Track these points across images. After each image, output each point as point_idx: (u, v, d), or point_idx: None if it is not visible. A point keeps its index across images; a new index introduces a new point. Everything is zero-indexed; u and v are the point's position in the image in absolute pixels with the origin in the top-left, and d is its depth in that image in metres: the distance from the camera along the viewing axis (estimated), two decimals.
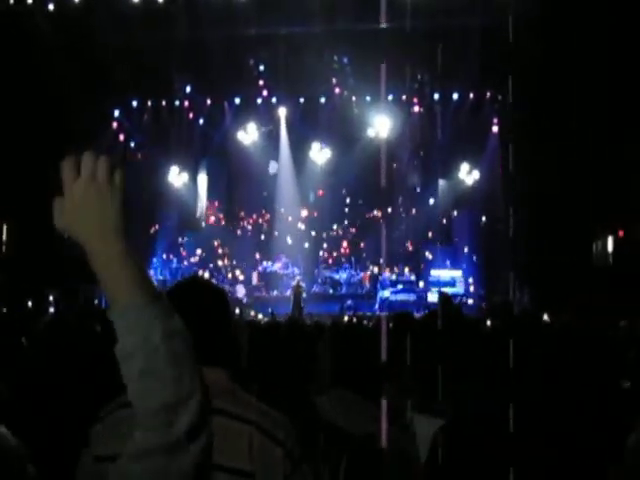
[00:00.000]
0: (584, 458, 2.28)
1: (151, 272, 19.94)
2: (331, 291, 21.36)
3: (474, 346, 3.63)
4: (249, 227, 23.35)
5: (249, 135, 21.91)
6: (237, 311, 15.65)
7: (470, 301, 19.09)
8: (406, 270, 20.66)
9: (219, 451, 1.58)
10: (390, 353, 3.49)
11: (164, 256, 21.66)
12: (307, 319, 13.50)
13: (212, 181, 23.43)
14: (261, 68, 20.23)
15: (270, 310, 17.09)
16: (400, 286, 19.99)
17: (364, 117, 21.28)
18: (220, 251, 22.58)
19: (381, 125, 20.75)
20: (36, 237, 16.29)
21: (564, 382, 2.49)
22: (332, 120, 21.24)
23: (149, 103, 21.67)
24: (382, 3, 16.04)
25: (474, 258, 20.57)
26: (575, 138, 14.27)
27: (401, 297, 19.68)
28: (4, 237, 17.44)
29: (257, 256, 22.15)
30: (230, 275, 21.75)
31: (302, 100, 21.38)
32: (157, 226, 21.75)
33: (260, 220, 23.38)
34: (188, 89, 21.02)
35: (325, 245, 22.71)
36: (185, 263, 22.03)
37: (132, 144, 21.93)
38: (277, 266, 21.75)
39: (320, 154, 21.80)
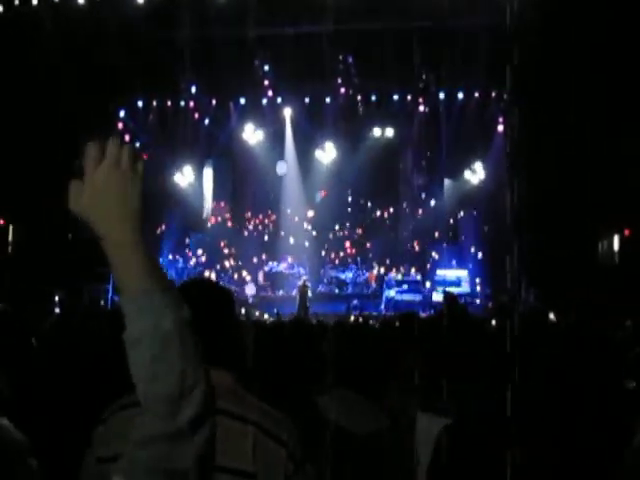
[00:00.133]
0: (588, 459, 2.27)
1: None
2: (337, 291, 21.35)
3: (479, 345, 3.63)
4: (256, 227, 23.37)
5: (254, 135, 21.92)
6: (243, 311, 15.67)
7: (477, 301, 19.07)
8: (412, 270, 20.64)
9: (221, 452, 1.57)
10: (395, 353, 3.49)
11: (170, 256, 21.68)
12: (313, 319, 13.50)
13: (218, 181, 23.46)
14: (266, 68, 20.23)
15: (275, 310, 17.11)
16: (405, 286, 19.96)
17: (369, 117, 21.28)
18: (226, 251, 22.59)
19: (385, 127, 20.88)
20: (42, 238, 16.36)
21: (569, 382, 2.48)
22: (337, 120, 21.23)
23: (154, 103, 21.69)
24: (388, 3, 16.09)
25: (480, 257, 20.54)
26: (578, 134, 14.22)
27: (407, 297, 19.65)
28: (10, 238, 17.49)
29: (263, 256, 22.16)
30: (236, 275, 21.76)
31: (307, 100, 21.37)
32: (163, 226, 21.76)
33: (266, 220, 23.40)
34: (193, 89, 21.01)
35: (331, 245, 22.70)
36: (191, 263, 22.05)
37: (137, 144, 21.93)
38: (283, 266, 21.77)
39: (326, 154, 21.78)
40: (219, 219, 23.66)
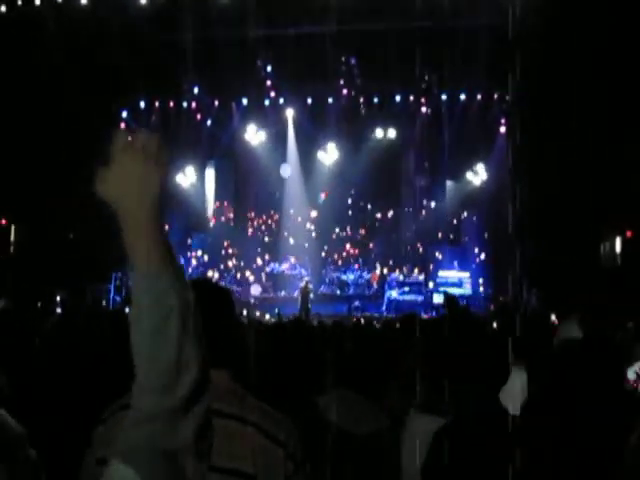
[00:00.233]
0: (588, 459, 2.27)
1: None
2: (338, 292, 21.34)
3: (479, 346, 3.63)
4: (258, 227, 23.36)
5: (257, 136, 21.93)
6: (244, 312, 15.66)
7: (479, 302, 19.04)
8: (415, 271, 20.62)
9: (220, 453, 1.56)
10: (395, 353, 3.49)
11: None
12: (314, 320, 13.49)
13: (220, 182, 23.47)
14: (268, 69, 20.24)
15: (277, 311, 17.08)
16: (407, 287, 19.94)
17: (372, 118, 21.28)
18: (229, 251, 22.59)
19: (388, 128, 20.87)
20: (44, 238, 16.38)
21: (569, 382, 2.48)
22: (340, 121, 21.22)
23: (157, 104, 21.71)
24: (390, 4, 16.09)
25: (482, 259, 20.53)
26: (580, 139, 14.22)
27: (409, 298, 19.64)
28: (12, 238, 17.51)
29: (266, 257, 22.17)
30: (239, 275, 21.76)
31: (310, 101, 21.37)
32: (166, 227, 21.71)
33: (269, 221, 23.40)
34: (196, 90, 21.03)
35: (333, 246, 22.68)
36: (194, 263, 22.05)
37: None
38: (285, 267, 21.77)
39: (328, 155, 21.77)
40: (222, 219, 23.66)
